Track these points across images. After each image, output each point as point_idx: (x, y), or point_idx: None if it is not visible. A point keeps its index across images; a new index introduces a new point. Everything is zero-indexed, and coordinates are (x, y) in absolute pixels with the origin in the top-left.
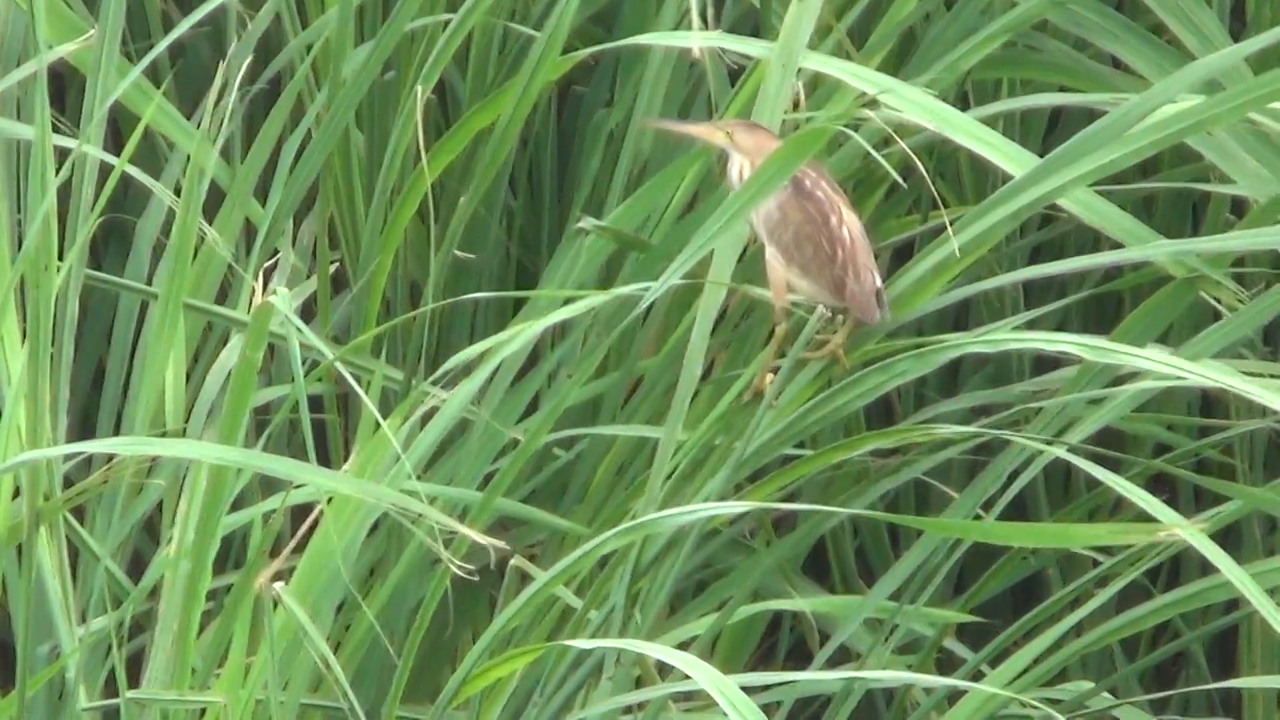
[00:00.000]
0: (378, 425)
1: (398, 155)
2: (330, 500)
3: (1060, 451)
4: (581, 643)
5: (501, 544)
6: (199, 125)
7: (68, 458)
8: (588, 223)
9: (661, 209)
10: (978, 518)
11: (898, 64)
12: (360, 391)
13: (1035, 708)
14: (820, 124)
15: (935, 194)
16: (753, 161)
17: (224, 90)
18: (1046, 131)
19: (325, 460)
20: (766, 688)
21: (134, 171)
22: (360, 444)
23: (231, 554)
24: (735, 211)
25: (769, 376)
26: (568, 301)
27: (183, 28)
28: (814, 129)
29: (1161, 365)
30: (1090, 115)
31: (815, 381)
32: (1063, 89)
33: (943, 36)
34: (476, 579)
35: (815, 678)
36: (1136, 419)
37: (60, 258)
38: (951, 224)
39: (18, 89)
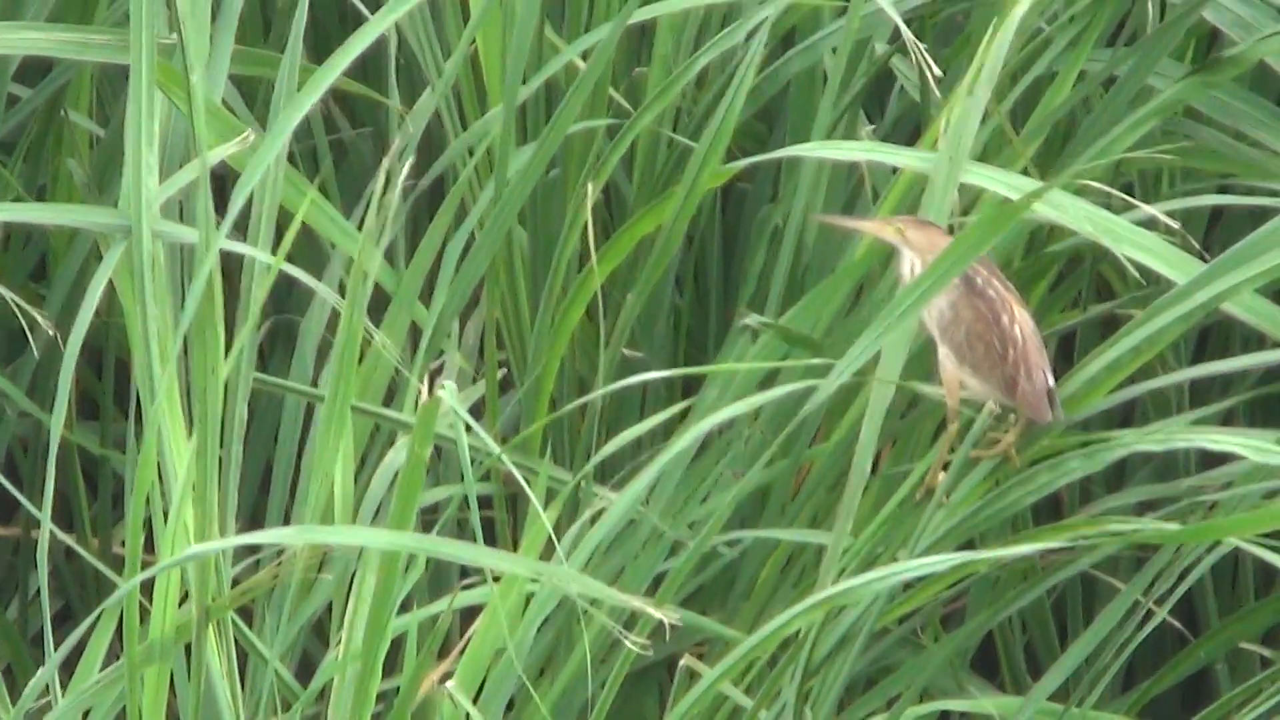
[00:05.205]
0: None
1: (564, 255)
2: (498, 583)
3: (1234, 542)
4: None
5: (678, 619)
6: (360, 225)
7: (236, 559)
8: (752, 319)
9: (827, 307)
10: (1146, 613)
11: (1056, 149)
12: (526, 487)
13: None
14: (986, 218)
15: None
16: (924, 259)
17: (386, 188)
18: (1210, 219)
19: None
20: None
21: (295, 272)
22: (526, 540)
23: (400, 656)
24: (906, 309)
25: (940, 474)
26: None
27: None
28: (987, 219)
29: None
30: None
31: (986, 480)
32: (1223, 177)
33: (1098, 121)
34: (650, 664)
35: None
36: None
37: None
38: (1119, 314)
39: (179, 192)
